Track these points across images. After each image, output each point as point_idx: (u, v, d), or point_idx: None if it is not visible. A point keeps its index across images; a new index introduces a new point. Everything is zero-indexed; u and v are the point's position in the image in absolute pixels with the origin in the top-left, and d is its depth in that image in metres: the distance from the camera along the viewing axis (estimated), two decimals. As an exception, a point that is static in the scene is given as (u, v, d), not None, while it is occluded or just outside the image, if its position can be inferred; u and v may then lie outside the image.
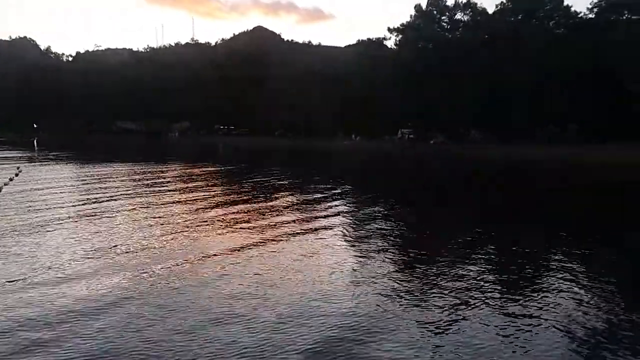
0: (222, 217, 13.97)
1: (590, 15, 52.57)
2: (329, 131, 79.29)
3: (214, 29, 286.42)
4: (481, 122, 56.80)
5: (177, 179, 25.95)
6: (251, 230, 12.22)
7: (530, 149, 45.24)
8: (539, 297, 7.65)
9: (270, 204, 16.80)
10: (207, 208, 15.64)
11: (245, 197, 18.44)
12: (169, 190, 20.36)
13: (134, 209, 15.38)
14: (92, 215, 13.92)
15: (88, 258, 9.36)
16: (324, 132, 79.91)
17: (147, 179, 24.74)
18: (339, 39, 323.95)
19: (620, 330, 6.50)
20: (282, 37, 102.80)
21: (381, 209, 16.03)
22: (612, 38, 42.48)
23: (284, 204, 16.61)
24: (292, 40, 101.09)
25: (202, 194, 19.30)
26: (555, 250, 10.96)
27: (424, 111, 62.63)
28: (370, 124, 78.59)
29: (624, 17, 46.37)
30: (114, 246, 10.29)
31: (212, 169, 32.87)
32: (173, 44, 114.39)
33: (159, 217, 13.90)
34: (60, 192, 18.90)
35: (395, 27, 64.13)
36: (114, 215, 14.19)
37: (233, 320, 6.48)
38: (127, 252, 9.89)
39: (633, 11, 42.93)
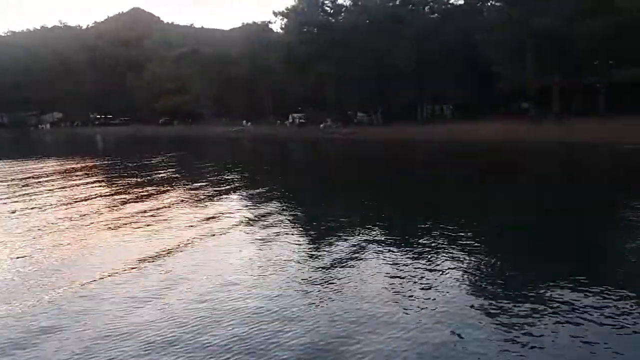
0: (110, 220, 12.48)
1: (460, 2, 56.37)
2: (217, 117, 76.98)
3: (86, 11, 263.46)
4: (368, 105, 58.33)
5: (51, 177, 22.99)
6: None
7: (412, 128, 47.56)
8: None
9: (156, 202, 15.31)
10: (93, 211, 13.77)
11: (129, 195, 16.78)
12: (44, 192, 17.88)
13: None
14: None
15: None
16: (212, 118, 77.43)
17: (16, 180, 21.75)
18: (223, 22, 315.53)
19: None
20: (162, 19, 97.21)
21: (276, 201, 15.28)
22: (478, 23, 45.44)
23: (172, 201, 15.23)
24: (172, 22, 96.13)
25: (84, 193, 17.25)
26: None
27: (313, 95, 63.07)
28: (260, 109, 77.61)
29: (489, 3, 50.21)
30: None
31: (90, 163, 30.19)
32: (38, 27, 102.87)
33: (34, 225, 12.03)
34: None
35: (280, 11, 63.39)
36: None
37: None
38: None
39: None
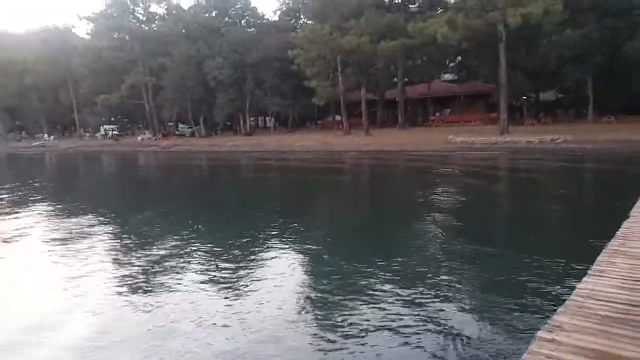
0: None
1: (275, 18, 58.50)
2: (11, 132, 67.00)
3: None
4: (190, 116, 56.52)
5: None
6: None
7: (235, 139, 47.50)
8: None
9: None
10: None
11: None
12: None
13: None
14: None
15: None
16: (6, 133, 67.08)
17: None
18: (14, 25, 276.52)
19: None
20: None
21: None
22: (293, 38, 47.43)
23: None
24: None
25: None
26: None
27: (128, 106, 58.71)
28: (66, 121, 69.75)
29: (301, 21, 52.96)
30: None
31: None
32: None
33: None
34: None
35: (87, 15, 57.70)
36: None
37: None
38: None
39: (306, 15, 49.24)
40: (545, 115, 40.81)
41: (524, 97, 44.31)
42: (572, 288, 4.51)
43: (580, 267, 5.97)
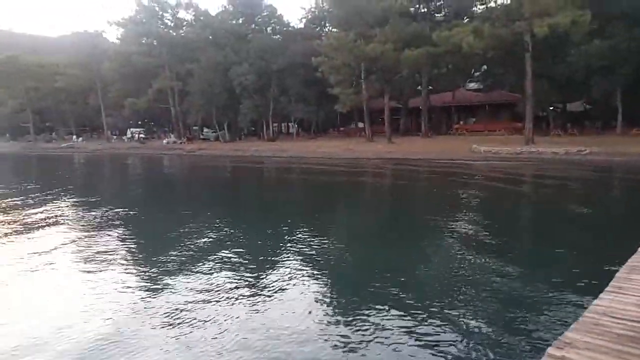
0: None
1: (301, 25, 58.97)
2: (43, 133, 68.95)
3: None
4: (215, 121, 57.28)
5: None
6: None
7: (259, 145, 48.01)
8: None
9: None
10: None
11: None
12: None
13: None
14: None
15: None
16: (37, 134, 69.09)
17: None
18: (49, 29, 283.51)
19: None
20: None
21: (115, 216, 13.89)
22: (318, 46, 47.78)
23: None
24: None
25: None
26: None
27: (155, 110, 59.95)
28: (95, 123, 71.47)
29: (326, 29, 53.30)
30: None
31: None
32: None
33: None
34: None
35: (117, 20, 59.29)
36: None
37: None
38: None
39: (331, 23, 49.62)
40: (572, 126, 40.07)
41: (551, 108, 43.60)
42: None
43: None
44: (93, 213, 14.99)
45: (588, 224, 11.93)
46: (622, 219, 12.82)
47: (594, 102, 40.56)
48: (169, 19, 58.83)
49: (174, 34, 58.40)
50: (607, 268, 6.65)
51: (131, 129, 65.30)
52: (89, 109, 66.33)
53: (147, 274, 8.64)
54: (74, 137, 66.85)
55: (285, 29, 57.78)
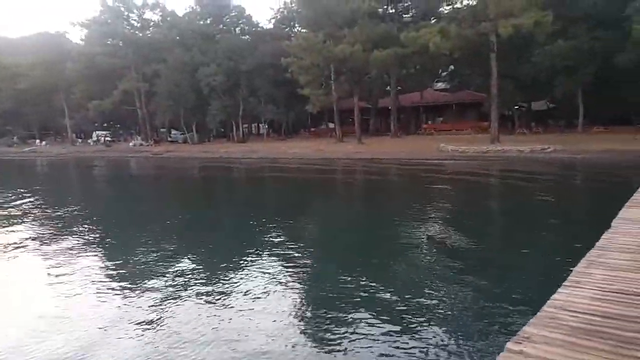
0: None
1: (270, 26, 58.66)
2: (4, 134, 66.55)
3: None
4: (183, 122, 56.35)
5: None
6: None
7: (228, 146, 47.44)
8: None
9: None
10: None
11: None
12: None
13: None
14: None
15: None
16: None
17: None
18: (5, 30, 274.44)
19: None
20: None
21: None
22: (287, 46, 47.56)
23: None
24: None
25: None
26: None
27: (120, 112, 58.57)
28: (58, 126, 69.37)
29: (295, 29, 53.14)
30: None
31: None
32: None
33: None
34: None
35: (80, 21, 57.59)
36: None
37: None
38: None
39: (300, 24, 49.53)
40: (536, 125, 41.05)
41: (516, 107, 44.56)
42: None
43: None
44: (51, 224, 14.39)
45: (550, 220, 12.11)
46: (582, 214, 13.09)
47: (558, 102, 41.67)
48: (135, 20, 57.59)
49: (140, 34, 57.17)
50: (568, 261, 6.69)
51: (97, 132, 63.65)
52: (53, 111, 64.29)
53: (109, 280, 8.29)
54: (37, 141, 64.72)
55: (254, 29, 57.44)
